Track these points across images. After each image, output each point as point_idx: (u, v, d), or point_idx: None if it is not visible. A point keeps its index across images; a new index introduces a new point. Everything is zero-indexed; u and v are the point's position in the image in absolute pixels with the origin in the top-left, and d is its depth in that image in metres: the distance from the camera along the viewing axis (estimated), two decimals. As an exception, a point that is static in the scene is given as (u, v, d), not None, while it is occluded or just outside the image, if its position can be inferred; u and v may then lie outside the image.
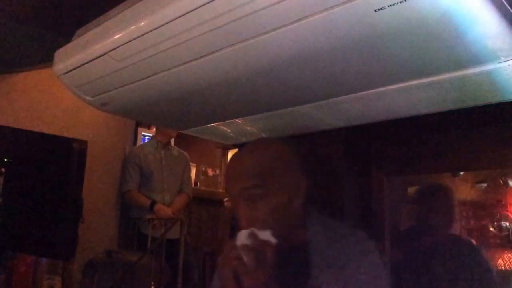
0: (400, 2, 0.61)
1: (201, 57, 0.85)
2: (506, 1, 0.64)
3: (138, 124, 3.95)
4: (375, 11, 0.64)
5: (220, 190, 5.11)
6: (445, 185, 1.95)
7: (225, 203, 3.99)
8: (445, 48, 0.73)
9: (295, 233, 1.00)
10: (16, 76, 2.91)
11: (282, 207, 0.96)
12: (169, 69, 0.92)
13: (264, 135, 1.40)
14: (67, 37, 1.06)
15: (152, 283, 2.80)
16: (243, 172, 0.97)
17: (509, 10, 0.65)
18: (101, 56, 0.94)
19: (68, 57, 1.03)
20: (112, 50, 0.91)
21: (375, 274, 0.95)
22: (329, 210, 1.32)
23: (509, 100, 0.94)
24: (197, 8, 0.73)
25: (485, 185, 3.41)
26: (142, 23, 0.83)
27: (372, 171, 1.43)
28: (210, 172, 5.58)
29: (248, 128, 1.33)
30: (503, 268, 3.30)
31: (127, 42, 0.87)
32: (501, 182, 3.36)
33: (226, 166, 3.82)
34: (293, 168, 1.00)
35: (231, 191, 0.99)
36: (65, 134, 2.85)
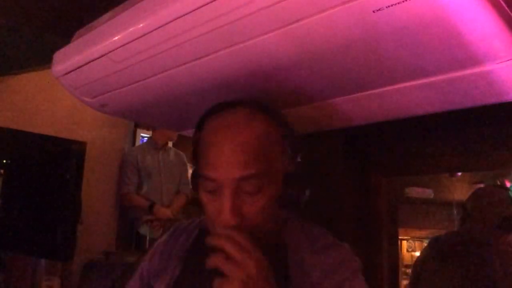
0: (398, 3, 0.61)
1: (200, 58, 0.86)
2: (504, 2, 0.64)
3: (137, 125, 3.94)
4: (373, 12, 0.64)
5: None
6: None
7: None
8: (442, 49, 0.73)
9: None
10: (15, 78, 2.91)
11: None
12: (168, 70, 0.93)
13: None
14: (66, 39, 1.06)
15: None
16: None
17: (507, 11, 0.65)
18: (100, 57, 0.94)
19: (67, 59, 1.03)
20: (111, 51, 0.91)
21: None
22: (328, 211, 1.32)
23: (507, 101, 0.94)
24: (196, 9, 0.74)
25: (482, 186, 3.43)
26: (141, 25, 0.83)
27: (370, 171, 1.43)
28: (208, 173, 5.56)
29: (247, 129, 1.33)
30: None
31: (126, 44, 0.87)
32: (498, 183, 3.38)
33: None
34: None
35: None
36: (64, 136, 2.85)
